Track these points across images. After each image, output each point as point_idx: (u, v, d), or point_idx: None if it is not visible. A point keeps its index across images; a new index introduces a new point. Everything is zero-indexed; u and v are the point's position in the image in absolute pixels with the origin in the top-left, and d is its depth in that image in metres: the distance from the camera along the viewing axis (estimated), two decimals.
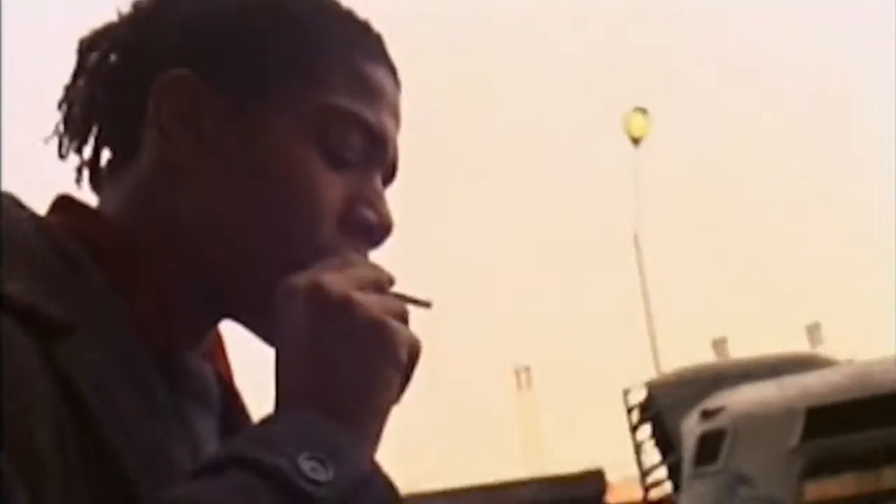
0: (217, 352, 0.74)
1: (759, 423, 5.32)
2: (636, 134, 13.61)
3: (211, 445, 0.67)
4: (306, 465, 0.56)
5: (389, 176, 0.73)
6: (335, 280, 0.62)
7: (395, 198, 0.73)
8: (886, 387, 5.12)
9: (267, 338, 0.68)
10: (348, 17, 0.72)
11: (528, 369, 21.20)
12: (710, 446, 5.43)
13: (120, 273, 0.64)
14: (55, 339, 0.57)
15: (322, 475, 0.56)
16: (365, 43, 0.72)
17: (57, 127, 0.72)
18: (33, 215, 0.65)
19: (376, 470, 0.60)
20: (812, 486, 5.04)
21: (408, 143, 0.75)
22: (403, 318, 0.64)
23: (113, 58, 0.71)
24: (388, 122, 0.70)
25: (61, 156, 0.72)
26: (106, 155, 0.72)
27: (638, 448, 7.43)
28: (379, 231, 0.69)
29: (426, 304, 0.69)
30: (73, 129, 0.71)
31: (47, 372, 0.55)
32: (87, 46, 0.72)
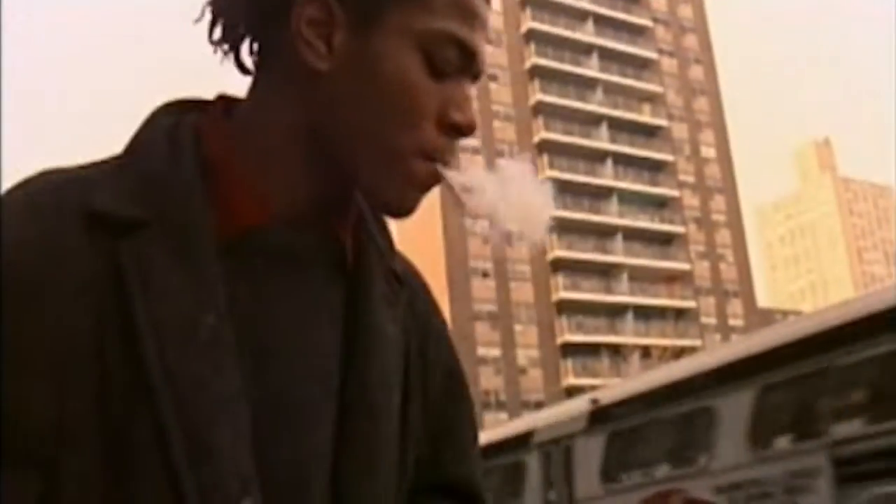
0: (345, 224, 0.89)
1: None
2: None
3: (296, 294, 0.84)
4: None
5: (475, 79, 0.87)
6: None
7: None
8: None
9: (377, 205, 0.88)
10: None
11: None
12: None
13: (217, 156, 0.83)
14: (124, 237, 0.76)
15: None
16: None
17: (207, 14, 0.87)
18: (182, 111, 0.87)
19: None
20: None
21: None
22: None
23: None
24: (479, 39, 0.85)
25: (213, 43, 0.87)
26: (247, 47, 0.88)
27: None
28: (466, 130, 0.85)
29: None
30: (224, 19, 0.87)
31: (105, 265, 0.75)
32: None
